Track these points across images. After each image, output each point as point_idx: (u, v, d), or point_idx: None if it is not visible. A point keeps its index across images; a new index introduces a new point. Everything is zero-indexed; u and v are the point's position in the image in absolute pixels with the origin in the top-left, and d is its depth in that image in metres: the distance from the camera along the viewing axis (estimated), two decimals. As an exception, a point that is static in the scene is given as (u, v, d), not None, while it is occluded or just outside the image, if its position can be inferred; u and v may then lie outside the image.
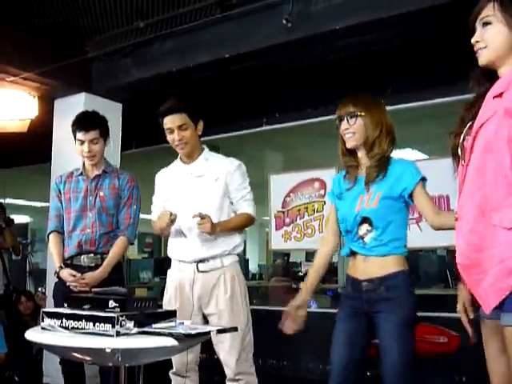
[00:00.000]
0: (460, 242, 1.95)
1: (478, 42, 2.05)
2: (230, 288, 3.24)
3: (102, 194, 3.74)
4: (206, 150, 3.44)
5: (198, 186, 3.33)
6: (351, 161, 2.81)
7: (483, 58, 2.03)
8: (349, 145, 2.76)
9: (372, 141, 2.73)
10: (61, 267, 3.67)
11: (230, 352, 3.18)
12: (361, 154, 2.79)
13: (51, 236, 3.79)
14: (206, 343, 3.11)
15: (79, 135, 3.70)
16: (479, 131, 1.93)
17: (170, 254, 3.44)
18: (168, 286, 3.42)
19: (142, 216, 3.88)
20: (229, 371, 3.21)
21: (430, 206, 2.68)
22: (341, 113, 2.77)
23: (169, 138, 3.34)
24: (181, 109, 3.27)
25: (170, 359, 3.26)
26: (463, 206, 1.96)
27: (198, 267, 3.25)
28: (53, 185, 3.90)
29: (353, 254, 2.75)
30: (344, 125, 2.75)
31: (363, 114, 2.73)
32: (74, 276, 3.56)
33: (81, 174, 3.80)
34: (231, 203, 3.36)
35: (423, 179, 2.70)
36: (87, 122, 3.76)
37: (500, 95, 1.89)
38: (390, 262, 2.65)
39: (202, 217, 3.10)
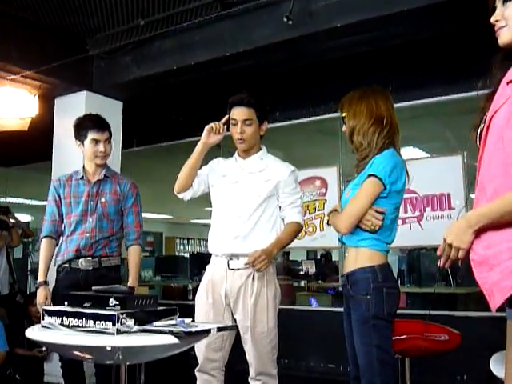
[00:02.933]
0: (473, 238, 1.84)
1: (497, 20, 1.88)
2: (255, 290, 3.17)
3: (103, 199, 3.75)
4: (264, 150, 3.39)
5: (245, 182, 3.27)
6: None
7: (504, 38, 1.86)
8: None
9: (349, 132, 2.74)
10: (45, 282, 3.70)
11: (254, 352, 3.16)
12: None
13: (44, 241, 3.79)
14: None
15: (95, 135, 3.70)
16: (492, 120, 1.82)
17: (209, 248, 3.36)
18: (203, 279, 3.37)
19: (145, 215, 3.90)
20: (251, 370, 3.20)
21: (350, 202, 2.65)
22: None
23: (231, 130, 3.29)
24: (250, 103, 3.23)
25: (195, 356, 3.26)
26: (478, 201, 1.86)
27: (228, 264, 3.21)
28: (51, 188, 3.86)
29: (343, 243, 2.78)
30: (343, 129, 2.82)
31: (345, 114, 2.76)
32: (46, 300, 3.61)
33: (81, 177, 3.79)
34: (279, 207, 3.30)
35: (373, 176, 2.58)
36: (101, 121, 3.77)
37: None
38: (359, 256, 2.63)
39: (253, 259, 3.02)
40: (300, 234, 3.44)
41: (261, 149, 3.38)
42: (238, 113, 3.23)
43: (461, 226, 1.81)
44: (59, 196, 3.79)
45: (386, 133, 2.68)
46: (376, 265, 2.59)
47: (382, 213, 2.59)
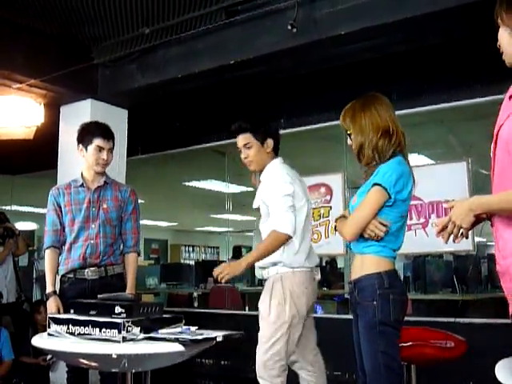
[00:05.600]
0: (495, 249, 1.93)
1: (499, 45, 1.97)
2: (262, 297, 3.35)
3: (105, 205, 3.77)
4: (275, 161, 3.49)
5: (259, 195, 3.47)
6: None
7: (507, 61, 1.96)
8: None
9: (358, 148, 2.73)
10: (54, 292, 3.70)
11: (256, 355, 3.27)
12: None
13: (48, 251, 3.77)
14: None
15: (100, 142, 3.73)
16: (498, 134, 1.88)
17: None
18: None
19: (150, 223, 3.92)
20: None
21: (355, 211, 2.66)
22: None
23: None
24: (243, 129, 3.45)
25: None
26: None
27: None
28: (50, 198, 3.84)
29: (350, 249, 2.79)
30: (349, 143, 2.82)
31: (351, 130, 2.75)
32: (59, 311, 3.59)
33: (81, 185, 3.80)
34: None
35: (378, 185, 2.59)
36: (108, 130, 3.81)
37: None
38: (365, 262, 2.64)
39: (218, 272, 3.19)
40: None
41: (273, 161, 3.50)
42: (238, 141, 3.48)
43: (464, 208, 1.93)
44: (59, 205, 3.79)
45: (394, 141, 2.68)
46: (382, 271, 2.59)
47: (385, 225, 2.59)
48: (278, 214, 3.22)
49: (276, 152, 3.51)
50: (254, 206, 3.49)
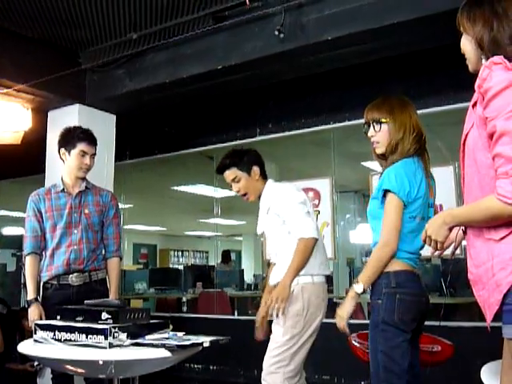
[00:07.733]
0: (468, 257, 1.94)
1: (463, 52, 2.04)
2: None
3: (86, 211, 3.76)
4: (269, 182, 3.53)
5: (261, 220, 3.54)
6: (383, 163, 2.74)
7: (470, 68, 2.02)
8: (378, 151, 2.74)
9: (395, 144, 2.67)
10: (36, 299, 3.66)
11: (265, 356, 3.25)
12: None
13: (29, 258, 3.72)
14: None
15: (84, 147, 3.72)
16: (465, 144, 1.90)
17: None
18: None
19: (139, 227, 3.92)
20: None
21: (383, 227, 2.55)
22: (367, 118, 2.74)
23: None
24: (227, 167, 3.50)
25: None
26: None
27: None
28: (30, 203, 3.80)
29: None
30: (370, 132, 2.73)
31: (387, 120, 2.69)
32: (41, 318, 3.56)
33: (62, 190, 3.78)
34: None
35: (389, 191, 2.53)
36: (92, 136, 3.81)
37: (475, 104, 1.86)
38: None
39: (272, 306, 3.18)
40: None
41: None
42: (226, 178, 3.53)
43: (438, 222, 1.97)
44: (40, 211, 3.76)
45: (416, 144, 2.71)
46: (392, 271, 2.54)
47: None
48: (299, 220, 3.29)
49: (264, 176, 3.54)
50: (259, 231, 3.55)
